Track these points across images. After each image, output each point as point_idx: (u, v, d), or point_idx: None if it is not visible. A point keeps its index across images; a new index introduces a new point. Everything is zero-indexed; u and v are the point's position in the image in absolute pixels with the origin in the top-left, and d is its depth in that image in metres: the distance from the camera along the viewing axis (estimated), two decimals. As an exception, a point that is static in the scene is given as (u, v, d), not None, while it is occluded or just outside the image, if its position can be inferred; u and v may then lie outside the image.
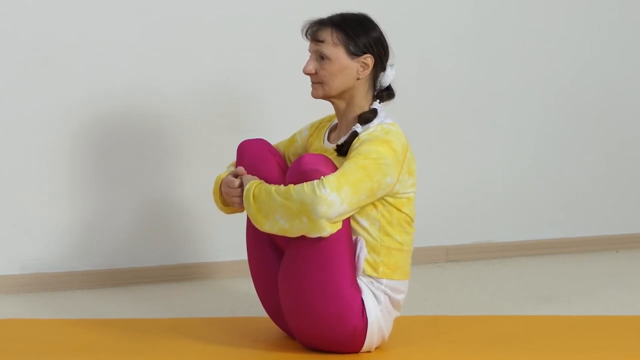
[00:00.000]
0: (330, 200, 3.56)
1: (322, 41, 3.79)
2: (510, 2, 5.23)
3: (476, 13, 5.18)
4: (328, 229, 3.60)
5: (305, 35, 3.85)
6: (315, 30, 3.82)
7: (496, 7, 5.21)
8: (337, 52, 3.79)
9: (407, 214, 3.79)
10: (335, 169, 3.66)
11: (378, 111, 3.82)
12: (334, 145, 3.85)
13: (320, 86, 3.82)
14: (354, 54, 3.78)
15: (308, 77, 3.87)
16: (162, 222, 4.84)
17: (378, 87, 3.87)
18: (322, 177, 3.59)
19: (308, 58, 3.82)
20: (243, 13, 4.85)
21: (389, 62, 3.86)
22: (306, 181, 3.60)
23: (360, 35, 3.80)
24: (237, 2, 4.84)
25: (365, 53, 3.79)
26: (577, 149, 5.37)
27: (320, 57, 3.80)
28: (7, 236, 4.64)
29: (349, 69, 3.79)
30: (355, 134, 3.76)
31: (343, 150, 3.77)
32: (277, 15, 4.88)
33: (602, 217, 5.44)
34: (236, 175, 3.81)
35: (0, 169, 4.62)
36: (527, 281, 4.86)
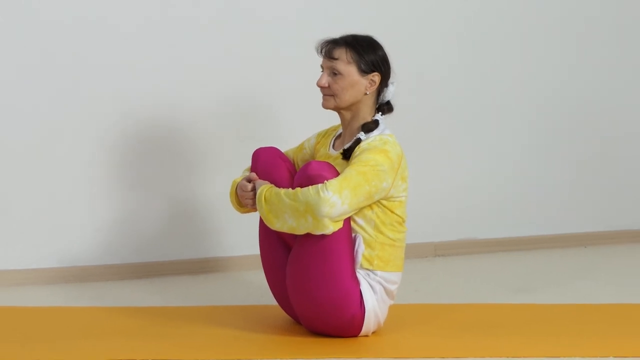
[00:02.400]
0: (333, 201, 3.56)
1: (336, 59, 3.79)
2: (495, 29, 5.22)
3: (467, 37, 5.17)
4: (330, 227, 3.60)
5: (320, 52, 3.84)
6: (330, 48, 3.82)
7: (484, 32, 5.20)
8: (349, 69, 3.78)
9: (399, 215, 3.79)
10: (337, 174, 3.67)
11: (380, 123, 3.82)
12: (338, 152, 3.86)
13: (332, 98, 3.82)
14: (364, 71, 3.79)
15: (316, 89, 3.88)
16: (184, 221, 4.83)
17: (380, 101, 3.85)
18: (325, 181, 3.60)
19: (321, 73, 3.83)
20: (254, 33, 4.84)
21: (391, 79, 3.85)
22: (312, 185, 3.61)
23: (370, 54, 3.80)
24: (247, 24, 4.82)
25: (373, 71, 3.80)
26: (552, 158, 5.37)
27: (334, 73, 3.80)
28: (47, 234, 4.63)
29: (359, 84, 3.79)
30: (358, 141, 3.78)
31: (347, 154, 3.78)
32: (287, 35, 4.86)
33: (572, 217, 5.43)
34: (249, 180, 3.81)
35: (44, 176, 4.60)
36: (506, 273, 4.85)
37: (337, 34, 3.83)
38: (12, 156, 4.56)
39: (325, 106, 3.86)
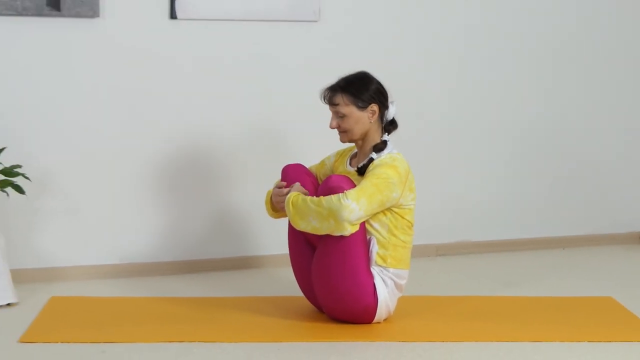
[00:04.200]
0: (352, 207, 3.59)
1: (337, 104, 3.82)
2: (483, 72, 5.15)
3: (461, 74, 5.10)
4: (349, 229, 3.63)
5: (324, 100, 3.87)
6: (330, 96, 3.84)
7: (476, 78, 5.08)
8: (349, 109, 3.80)
9: (408, 220, 3.80)
10: (354, 185, 3.69)
11: (388, 143, 3.83)
12: (354, 168, 3.87)
13: (345, 134, 3.85)
14: (362, 107, 3.80)
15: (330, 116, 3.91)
16: (224, 225, 4.80)
17: (385, 121, 3.87)
18: (344, 191, 3.62)
19: (331, 116, 3.85)
20: (281, 66, 4.79)
21: (390, 100, 3.87)
22: (332, 194, 3.63)
23: (363, 91, 3.80)
24: (272, 59, 4.78)
25: (370, 103, 3.80)
26: (534, 172, 5.28)
27: (339, 116, 3.82)
28: (109, 235, 4.61)
29: (362, 118, 3.80)
30: (371, 159, 3.78)
31: (362, 171, 3.79)
32: (308, 66, 4.84)
33: (552, 223, 5.38)
34: (281, 187, 3.85)
35: (109, 186, 4.58)
36: (496, 270, 4.82)
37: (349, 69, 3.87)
38: (85, 170, 4.52)
39: (342, 141, 3.89)
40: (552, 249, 5.29)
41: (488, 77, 5.15)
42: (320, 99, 3.88)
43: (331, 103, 3.83)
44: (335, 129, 3.86)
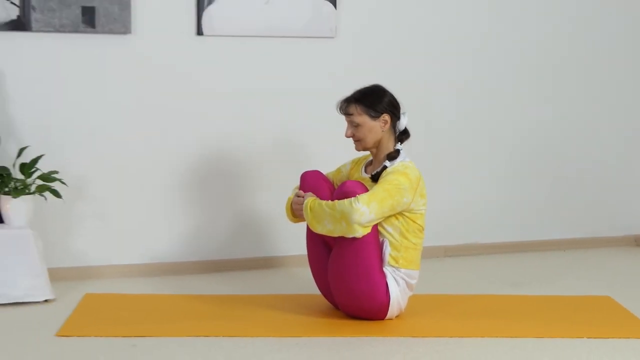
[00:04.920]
0: (362, 211, 3.59)
1: (351, 114, 3.83)
2: (486, 86, 5.13)
3: (466, 87, 5.10)
4: (360, 231, 3.64)
5: (340, 111, 3.88)
6: (345, 107, 3.86)
7: (476, 94, 5.12)
8: (363, 119, 3.81)
9: (419, 225, 3.80)
10: (367, 190, 3.69)
11: (400, 151, 3.83)
12: (369, 175, 3.88)
13: (359, 143, 3.86)
14: (375, 117, 3.81)
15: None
16: (248, 228, 4.80)
17: (397, 131, 3.87)
18: (357, 195, 3.62)
19: (346, 126, 3.87)
20: (300, 80, 4.80)
21: (401, 111, 3.87)
22: (346, 198, 3.64)
23: (376, 103, 3.82)
24: (292, 73, 4.78)
25: (382, 114, 3.81)
26: (537, 180, 5.26)
27: (354, 125, 3.83)
28: (139, 236, 4.63)
29: (375, 127, 3.81)
30: (385, 167, 3.79)
31: (376, 178, 3.80)
32: (325, 80, 4.83)
33: (553, 226, 5.36)
34: (300, 195, 3.85)
35: (139, 192, 4.60)
36: (503, 271, 4.81)
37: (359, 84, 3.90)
38: (117, 176, 4.53)
39: (357, 150, 3.91)
40: (553, 250, 5.28)
41: (491, 90, 5.15)
42: (337, 109, 3.90)
43: (346, 113, 3.85)
44: (350, 138, 3.88)
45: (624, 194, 5.47)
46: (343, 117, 3.91)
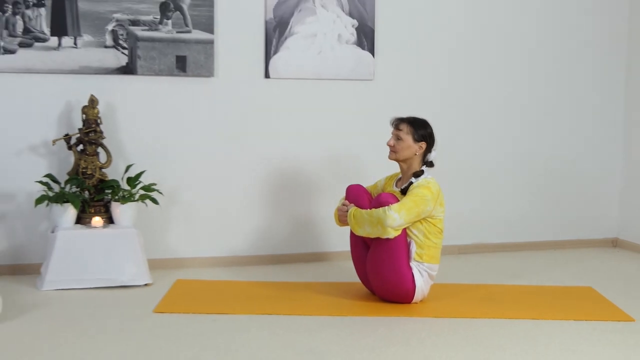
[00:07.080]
0: (394, 217, 3.59)
1: (401, 130, 3.82)
2: (492, 111, 5.12)
3: (471, 113, 5.09)
4: (392, 233, 3.63)
5: (392, 124, 3.87)
6: (398, 122, 3.85)
7: (484, 111, 5.08)
8: (407, 137, 3.80)
9: (439, 228, 3.80)
10: (397, 201, 3.69)
11: (424, 171, 3.83)
12: (399, 189, 3.87)
13: (394, 153, 3.84)
14: (416, 140, 3.80)
15: (386, 149, 3.92)
16: (304, 228, 4.75)
17: (426, 159, 3.87)
18: (390, 205, 3.62)
19: (391, 136, 3.85)
20: (346, 113, 4.78)
21: (434, 148, 3.87)
22: (381, 207, 3.63)
23: (421, 130, 3.81)
24: (339, 108, 4.76)
25: (422, 141, 3.81)
26: (534, 193, 5.27)
27: (397, 138, 3.82)
28: (220, 235, 4.63)
29: (412, 147, 3.81)
30: (411, 183, 3.78)
31: (404, 191, 3.79)
32: (365, 114, 4.81)
33: (545, 230, 5.29)
34: (344, 205, 3.85)
35: (218, 200, 4.59)
36: (505, 265, 4.77)
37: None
38: (205, 188, 4.56)
39: (390, 158, 3.88)
40: (545, 250, 5.23)
41: (498, 126, 5.13)
42: (390, 123, 3.89)
43: (396, 127, 3.83)
44: (389, 147, 3.85)
45: (603, 204, 5.39)
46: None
